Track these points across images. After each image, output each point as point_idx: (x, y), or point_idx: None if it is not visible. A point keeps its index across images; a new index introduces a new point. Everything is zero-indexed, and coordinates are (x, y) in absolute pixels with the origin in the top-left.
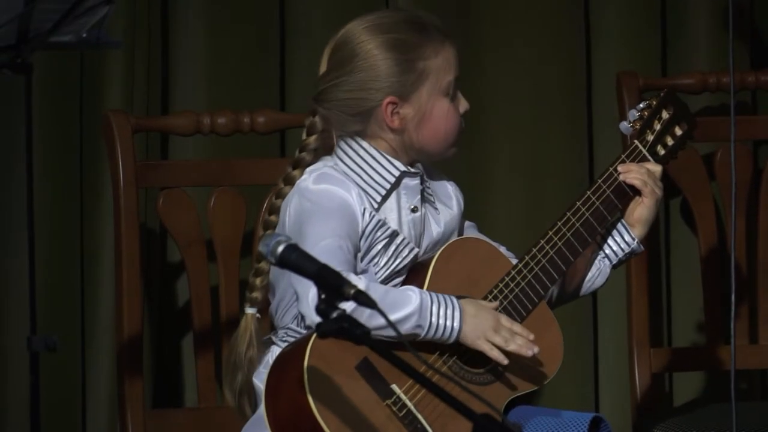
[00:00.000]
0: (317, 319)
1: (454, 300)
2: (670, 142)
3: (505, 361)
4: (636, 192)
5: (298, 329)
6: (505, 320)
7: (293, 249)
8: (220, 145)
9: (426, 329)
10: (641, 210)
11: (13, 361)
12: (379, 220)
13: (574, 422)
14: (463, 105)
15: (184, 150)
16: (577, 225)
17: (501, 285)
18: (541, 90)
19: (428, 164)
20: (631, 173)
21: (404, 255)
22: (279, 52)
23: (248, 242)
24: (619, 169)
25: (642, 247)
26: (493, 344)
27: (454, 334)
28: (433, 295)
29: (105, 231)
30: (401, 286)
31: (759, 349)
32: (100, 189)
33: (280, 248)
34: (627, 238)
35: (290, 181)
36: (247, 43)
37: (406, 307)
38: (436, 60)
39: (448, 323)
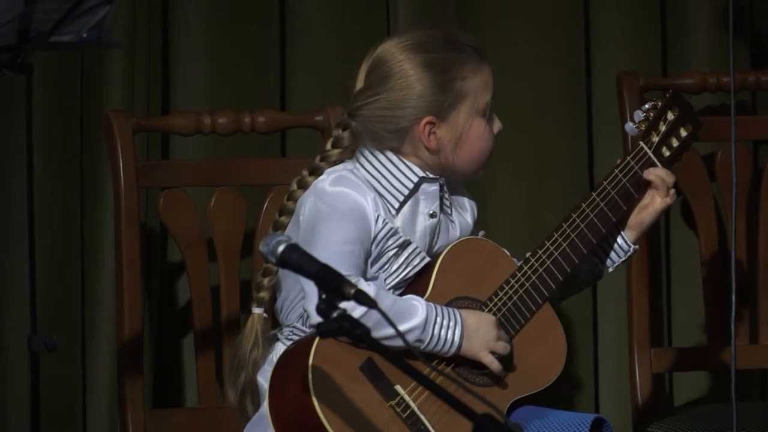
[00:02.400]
0: (319, 319)
1: (457, 314)
2: (675, 143)
3: (504, 372)
4: (641, 194)
5: (303, 328)
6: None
7: (293, 249)
8: (221, 145)
9: (427, 342)
10: (645, 218)
11: (13, 361)
12: (391, 228)
13: (576, 423)
14: (497, 125)
15: (184, 150)
16: (582, 227)
17: (506, 286)
18: (541, 90)
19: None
20: (653, 173)
21: (415, 264)
22: (279, 52)
23: (248, 242)
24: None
25: (637, 247)
26: (496, 353)
27: (454, 348)
28: (438, 308)
29: (105, 231)
30: (408, 286)
31: (759, 349)
32: (100, 189)
33: (281, 248)
34: (624, 247)
35: (304, 186)
36: (247, 43)
37: (412, 319)
38: (474, 80)
39: (449, 337)
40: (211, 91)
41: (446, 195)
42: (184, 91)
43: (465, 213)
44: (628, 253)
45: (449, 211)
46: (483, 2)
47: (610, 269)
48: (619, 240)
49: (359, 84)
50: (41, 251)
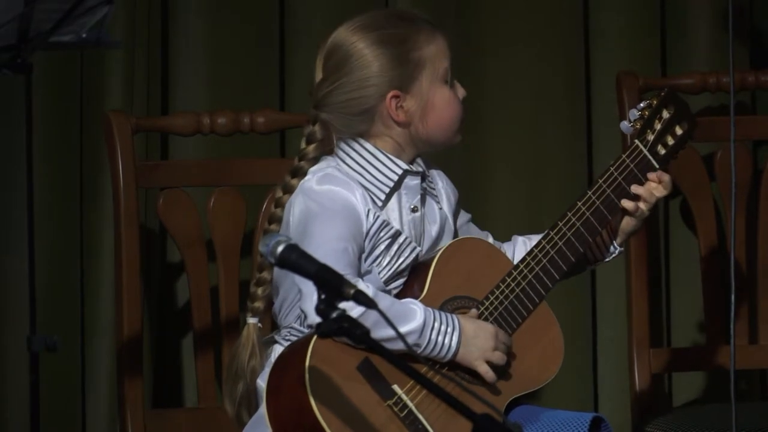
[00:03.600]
0: (318, 319)
1: (456, 320)
2: (670, 141)
3: (495, 381)
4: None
5: (301, 329)
6: (502, 335)
7: (293, 249)
8: (220, 145)
9: (424, 347)
10: (627, 226)
11: (13, 361)
12: (383, 221)
13: (575, 422)
14: (461, 91)
15: (184, 150)
16: (578, 224)
17: (502, 285)
18: (541, 90)
19: (428, 156)
20: (624, 201)
21: (407, 254)
22: (279, 52)
23: (248, 242)
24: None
25: (622, 249)
26: (492, 363)
27: (450, 353)
28: (436, 313)
29: (105, 231)
30: (403, 286)
31: (759, 349)
32: (100, 189)
33: (280, 248)
34: (611, 248)
35: (289, 190)
36: (247, 43)
37: (410, 322)
38: (429, 48)
39: (446, 342)
40: (210, 91)
41: (429, 181)
42: (184, 91)
43: (441, 201)
44: (613, 255)
45: (435, 193)
46: (483, 2)
47: (591, 267)
48: (610, 247)
49: (318, 75)
50: (41, 251)
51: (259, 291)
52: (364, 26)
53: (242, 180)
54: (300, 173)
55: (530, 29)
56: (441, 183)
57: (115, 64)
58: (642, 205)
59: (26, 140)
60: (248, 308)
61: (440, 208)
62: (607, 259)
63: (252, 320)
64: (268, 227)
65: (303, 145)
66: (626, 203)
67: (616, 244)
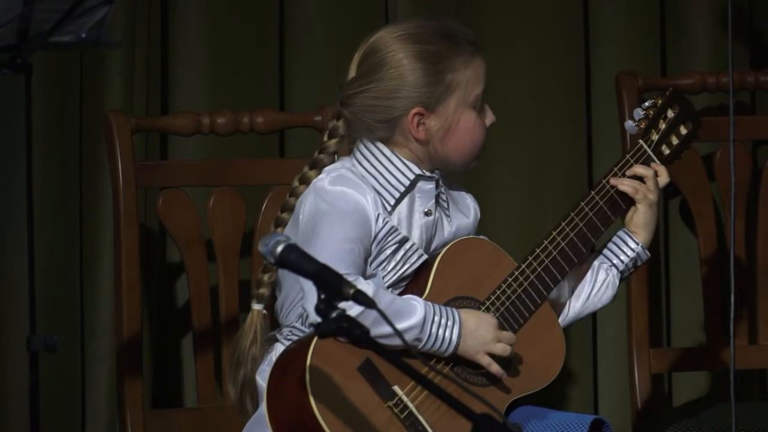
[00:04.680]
0: (319, 319)
1: (456, 313)
2: (675, 141)
3: (504, 375)
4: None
5: (303, 328)
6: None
7: (292, 249)
8: (220, 145)
9: (425, 341)
10: (638, 216)
11: (13, 361)
12: (392, 227)
13: (575, 424)
14: (490, 117)
15: (183, 150)
16: (581, 225)
17: (504, 285)
18: (541, 90)
19: (448, 175)
20: (623, 181)
21: (413, 261)
22: (279, 52)
23: (248, 242)
24: (611, 182)
25: (648, 253)
26: (495, 355)
27: (452, 347)
28: (436, 307)
29: (105, 231)
30: (405, 286)
31: (759, 349)
32: (100, 189)
33: (279, 248)
34: (632, 244)
35: (306, 181)
36: (247, 43)
37: (411, 318)
38: (466, 73)
39: (447, 336)
40: (210, 91)
41: (443, 191)
42: (184, 91)
43: (468, 211)
44: (636, 251)
45: (446, 207)
46: (483, 2)
47: (622, 269)
48: (629, 242)
49: (351, 72)
50: (41, 251)
51: (265, 277)
52: (407, 36)
53: (242, 180)
54: (318, 165)
55: (530, 29)
56: (469, 199)
57: (115, 64)
58: (641, 186)
59: (26, 140)
60: (253, 294)
61: (447, 216)
62: (630, 257)
63: (257, 306)
64: (280, 215)
65: (325, 138)
66: (625, 187)
67: (637, 240)
